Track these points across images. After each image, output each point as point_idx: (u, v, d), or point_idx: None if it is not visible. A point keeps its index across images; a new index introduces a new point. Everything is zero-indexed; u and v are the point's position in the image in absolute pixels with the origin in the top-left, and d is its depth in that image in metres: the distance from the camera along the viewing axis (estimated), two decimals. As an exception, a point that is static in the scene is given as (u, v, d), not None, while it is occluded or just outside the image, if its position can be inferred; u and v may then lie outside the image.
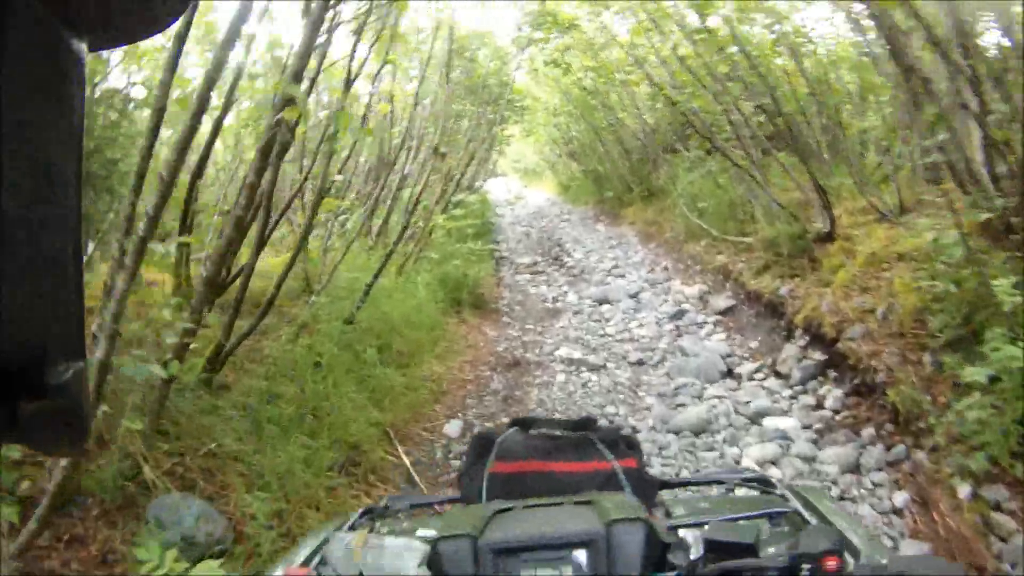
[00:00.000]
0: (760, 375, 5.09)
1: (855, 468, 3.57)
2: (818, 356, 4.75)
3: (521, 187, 29.22)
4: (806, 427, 4.11)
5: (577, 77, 12.06)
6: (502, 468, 1.26)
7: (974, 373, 3.01)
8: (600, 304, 7.47)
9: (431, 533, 1.11)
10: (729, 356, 5.47)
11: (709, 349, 5.59)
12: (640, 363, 5.60)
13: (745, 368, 5.21)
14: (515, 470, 1.25)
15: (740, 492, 1.58)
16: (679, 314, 6.58)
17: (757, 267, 6.24)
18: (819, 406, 4.35)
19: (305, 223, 4.25)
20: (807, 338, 4.97)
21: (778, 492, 1.38)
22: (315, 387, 3.74)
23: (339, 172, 5.81)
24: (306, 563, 1.19)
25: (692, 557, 0.89)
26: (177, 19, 0.33)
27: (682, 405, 4.64)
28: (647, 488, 1.27)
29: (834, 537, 0.81)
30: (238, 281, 3.78)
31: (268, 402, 3.44)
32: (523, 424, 1.33)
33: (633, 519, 0.90)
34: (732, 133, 6.70)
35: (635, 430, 4.30)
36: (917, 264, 4.28)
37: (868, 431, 3.82)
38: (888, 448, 3.62)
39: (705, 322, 6.33)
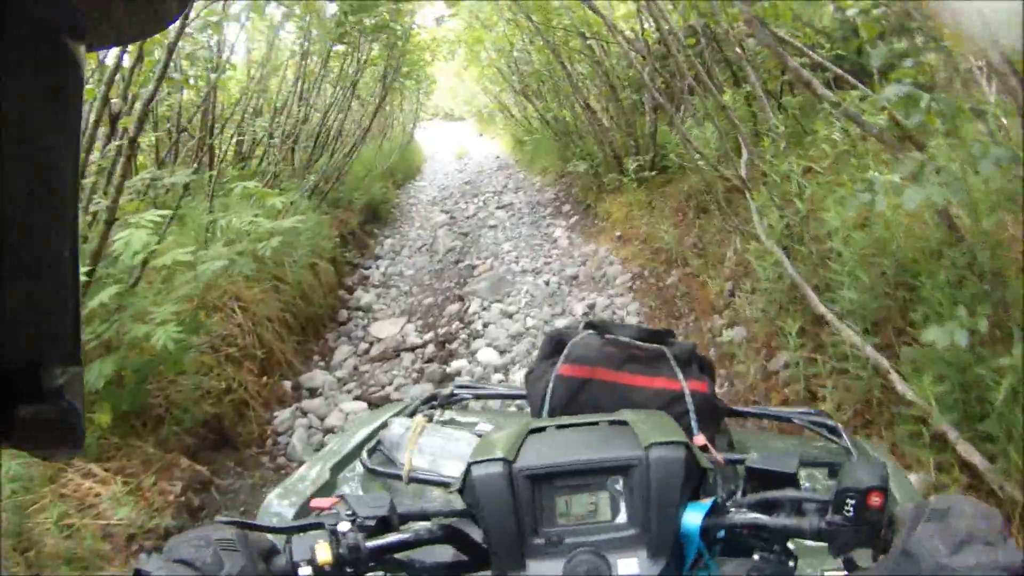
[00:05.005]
0: None
1: None
2: None
3: (475, 136, 22.55)
4: None
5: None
6: (570, 371, 1.21)
7: None
8: None
9: (489, 427, 1.25)
10: None
11: None
12: None
13: None
14: (583, 375, 1.21)
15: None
16: None
17: None
18: None
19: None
20: None
21: (844, 444, 1.27)
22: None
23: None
24: (361, 445, 1.23)
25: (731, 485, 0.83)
26: (175, 21, 0.32)
27: None
28: (715, 414, 1.21)
29: (879, 472, 0.73)
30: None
31: None
32: (598, 328, 1.28)
33: (673, 442, 0.81)
34: None
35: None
36: None
37: None
38: None
39: None
